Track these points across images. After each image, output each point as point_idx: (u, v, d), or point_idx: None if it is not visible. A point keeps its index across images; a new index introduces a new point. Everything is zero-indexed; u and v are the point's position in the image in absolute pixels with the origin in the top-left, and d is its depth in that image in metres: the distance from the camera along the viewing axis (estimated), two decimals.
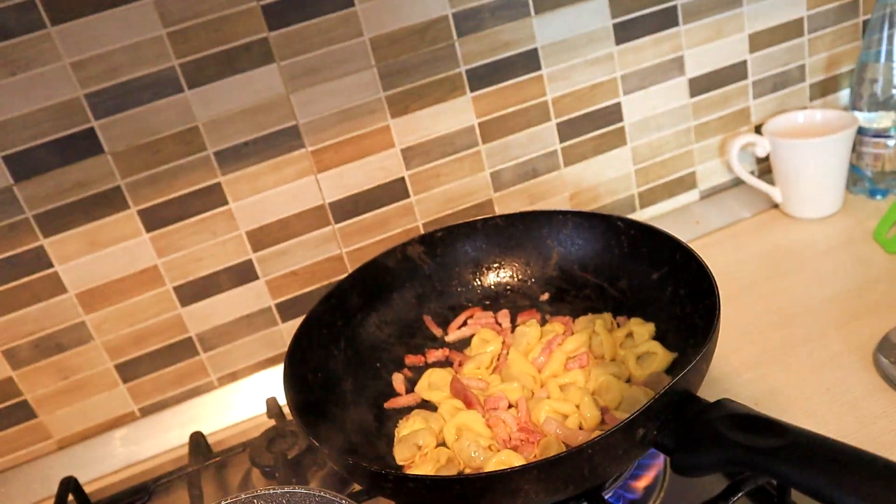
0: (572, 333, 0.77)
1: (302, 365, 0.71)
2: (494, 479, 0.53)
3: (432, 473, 0.65)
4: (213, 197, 0.87)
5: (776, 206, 1.07)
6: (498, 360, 0.78)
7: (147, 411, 0.93)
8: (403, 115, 0.91)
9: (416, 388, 0.77)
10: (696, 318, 0.68)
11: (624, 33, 0.97)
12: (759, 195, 1.09)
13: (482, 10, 0.90)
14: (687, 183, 1.10)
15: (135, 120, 0.81)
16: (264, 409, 0.83)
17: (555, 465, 0.52)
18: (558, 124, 0.99)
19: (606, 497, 0.62)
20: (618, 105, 1.01)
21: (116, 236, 0.85)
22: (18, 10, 0.74)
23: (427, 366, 0.80)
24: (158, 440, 0.91)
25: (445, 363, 0.80)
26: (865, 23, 1.09)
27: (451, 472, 0.65)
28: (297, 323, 0.74)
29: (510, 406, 0.71)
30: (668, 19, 0.99)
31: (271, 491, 0.55)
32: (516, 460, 0.62)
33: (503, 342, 0.79)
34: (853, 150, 1.01)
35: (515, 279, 0.86)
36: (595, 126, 1.01)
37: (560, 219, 0.84)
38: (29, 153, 0.79)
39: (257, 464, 0.78)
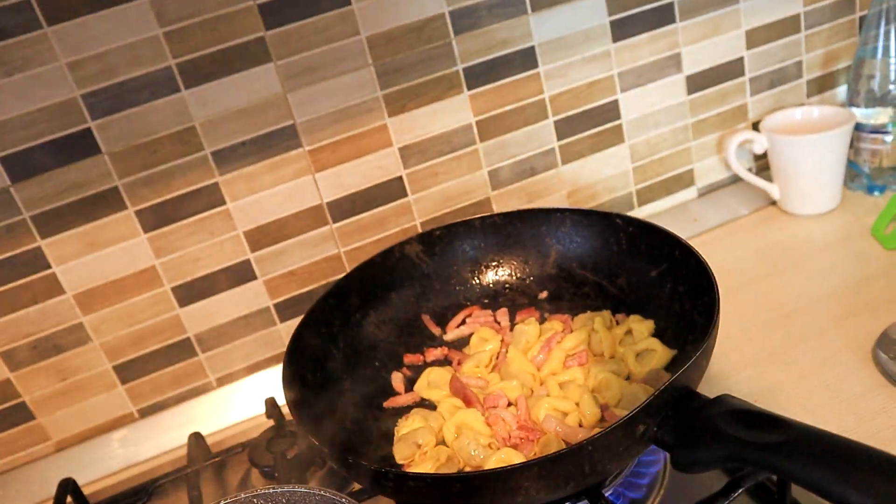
0: (571, 331, 0.77)
1: (301, 365, 0.71)
2: (494, 477, 0.53)
3: (432, 472, 0.64)
4: (210, 197, 0.86)
5: (774, 202, 1.08)
6: (497, 358, 0.78)
7: (146, 412, 0.93)
8: (401, 114, 0.91)
9: (416, 387, 0.76)
10: (695, 314, 0.68)
11: (621, 31, 0.97)
12: (756, 192, 1.09)
13: (479, 8, 0.90)
14: (685, 180, 1.10)
15: (132, 120, 0.81)
16: (263, 410, 0.83)
17: (555, 463, 0.52)
18: (556, 122, 0.99)
19: (607, 495, 0.62)
20: (615, 102, 1.01)
21: (114, 237, 0.84)
22: (14, 11, 0.74)
23: (426, 364, 0.80)
24: (157, 441, 0.91)
25: (444, 362, 0.80)
26: (862, 19, 1.09)
27: (451, 470, 0.65)
28: (295, 323, 0.74)
29: (509, 404, 0.71)
30: (664, 16, 0.99)
31: (271, 490, 0.55)
32: (516, 458, 0.62)
33: (502, 340, 0.79)
34: (851, 146, 1.01)
35: (514, 277, 0.86)
36: (592, 124, 1.01)
37: (558, 216, 0.84)
38: (26, 154, 0.79)
39: (256, 464, 0.77)
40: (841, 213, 1.02)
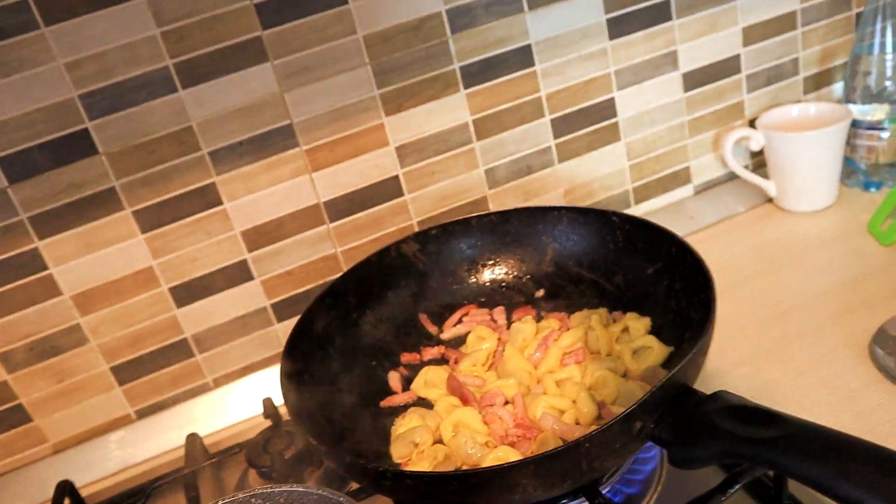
0: (568, 329, 0.77)
1: (298, 365, 0.71)
2: (492, 475, 0.53)
3: (430, 470, 0.64)
4: (207, 197, 0.86)
5: (771, 200, 1.08)
6: (494, 356, 0.78)
7: (143, 413, 0.93)
8: (397, 113, 0.91)
9: (413, 386, 0.76)
10: (691, 311, 0.68)
11: (617, 28, 0.97)
12: (753, 189, 1.09)
13: (475, 7, 0.90)
14: (681, 178, 1.10)
15: (129, 120, 0.81)
16: (260, 410, 0.83)
17: (552, 460, 0.52)
18: (552, 120, 0.99)
19: (604, 492, 0.62)
20: (611, 100, 1.01)
21: (111, 238, 0.84)
22: (11, 11, 0.74)
23: (423, 363, 0.80)
24: (154, 442, 0.91)
25: (441, 361, 0.80)
26: (858, 15, 1.09)
27: (449, 468, 0.65)
28: (292, 323, 0.74)
29: (506, 402, 0.71)
30: (661, 14, 0.99)
31: (269, 490, 0.55)
32: (513, 456, 0.62)
33: (499, 339, 0.79)
34: (847, 142, 1.01)
35: (510, 276, 0.86)
36: (589, 122, 1.01)
37: (555, 215, 0.84)
38: (23, 155, 0.78)
39: (254, 464, 0.77)
40: (837, 210, 1.02)
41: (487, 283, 0.86)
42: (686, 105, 1.05)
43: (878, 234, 0.92)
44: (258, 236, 0.90)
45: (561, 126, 1.00)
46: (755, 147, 1.03)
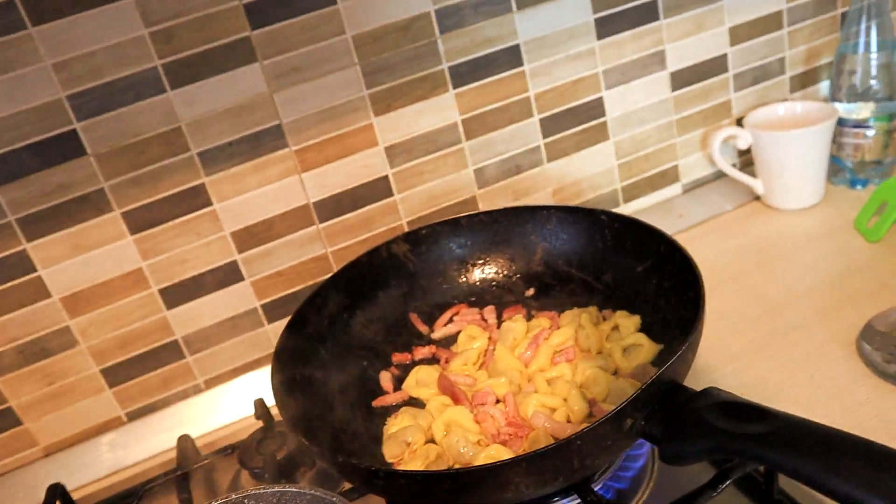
0: (558, 328, 0.77)
1: (289, 365, 0.71)
2: (484, 473, 0.53)
3: (422, 469, 0.65)
4: (197, 198, 0.86)
5: (758, 198, 1.08)
6: (485, 355, 0.78)
7: (134, 416, 0.93)
8: (386, 113, 0.91)
9: (404, 386, 0.77)
10: (681, 309, 0.69)
11: (605, 28, 0.98)
12: (741, 188, 1.10)
13: (464, 7, 0.90)
14: (670, 177, 1.11)
15: (117, 121, 0.80)
16: (252, 411, 0.83)
17: (544, 458, 0.52)
18: (541, 120, 0.99)
19: (596, 489, 0.62)
20: (600, 100, 1.01)
21: (100, 239, 0.84)
22: None
23: (414, 363, 0.80)
24: (146, 444, 0.90)
25: (432, 360, 0.80)
26: (844, 15, 1.10)
27: (441, 467, 0.65)
28: (283, 324, 0.74)
29: (498, 401, 0.71)
30: (648, 14, 0.99)
31: (262, 490, 0.54)
32: (505, 454, 0.63)
33: (489, 338, 0.80)
34: (833, 141, 1.02)
35: (500, 275, 0.86)
36: (577, 121, 1.01)
37: (544, 214, 0.84)
38: (10, 156, 0.78)
39: (246, 465, 0.77)
40: (824, 208, 1.03)
41: (478, 283, 0.87)
42: (674, 104, 1.06)
43: (864, 231, 0.93)
44: (248, 237, 0.90)
45: (550, 126, 1.00)
46: (742, 146, 1.04)
